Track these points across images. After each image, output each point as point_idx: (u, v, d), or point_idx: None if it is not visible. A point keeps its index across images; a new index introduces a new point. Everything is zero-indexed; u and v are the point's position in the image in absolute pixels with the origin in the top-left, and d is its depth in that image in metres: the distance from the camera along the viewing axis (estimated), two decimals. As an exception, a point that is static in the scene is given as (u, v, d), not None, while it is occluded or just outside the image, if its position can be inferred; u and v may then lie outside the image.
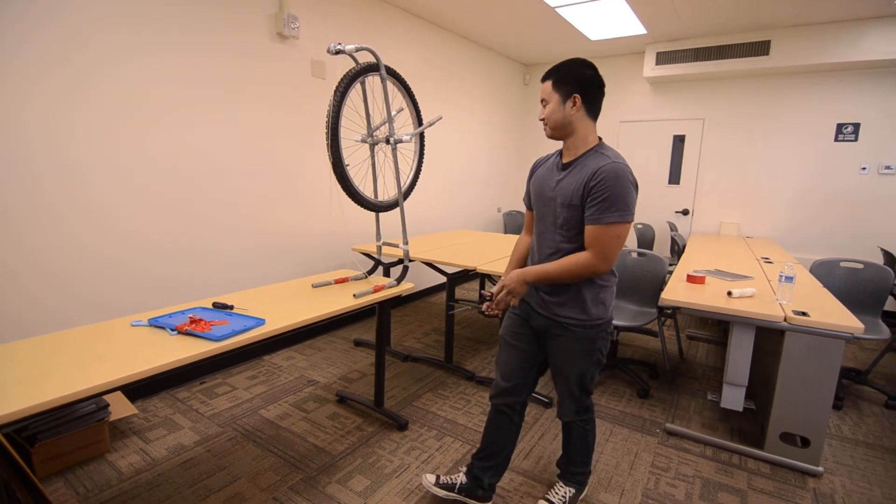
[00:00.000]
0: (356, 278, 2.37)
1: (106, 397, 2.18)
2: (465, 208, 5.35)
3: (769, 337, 2.26)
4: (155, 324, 1.58)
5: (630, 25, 4.29)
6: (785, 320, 2.01)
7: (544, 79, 1.52)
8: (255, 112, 2.98)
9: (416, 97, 2.38)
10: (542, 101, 1.53)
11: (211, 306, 1.84)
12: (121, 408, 2.26)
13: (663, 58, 4.81)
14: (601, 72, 1.49)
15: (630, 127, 5.51)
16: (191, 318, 1.63)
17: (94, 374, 1.23)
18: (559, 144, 1.60)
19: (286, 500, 1.84)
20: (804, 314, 2.02)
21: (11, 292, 2.07)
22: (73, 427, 2.01)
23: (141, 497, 1.84)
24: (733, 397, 2.22)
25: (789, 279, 2.19)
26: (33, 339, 1.46)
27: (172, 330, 1.53)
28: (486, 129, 5.52)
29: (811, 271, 3.10)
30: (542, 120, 1.54)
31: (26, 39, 2.01)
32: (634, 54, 5.26)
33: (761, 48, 4.32)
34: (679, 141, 5.26)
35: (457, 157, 5.08)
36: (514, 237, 4.28)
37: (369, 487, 1.93)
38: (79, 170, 2.23)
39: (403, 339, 3.65)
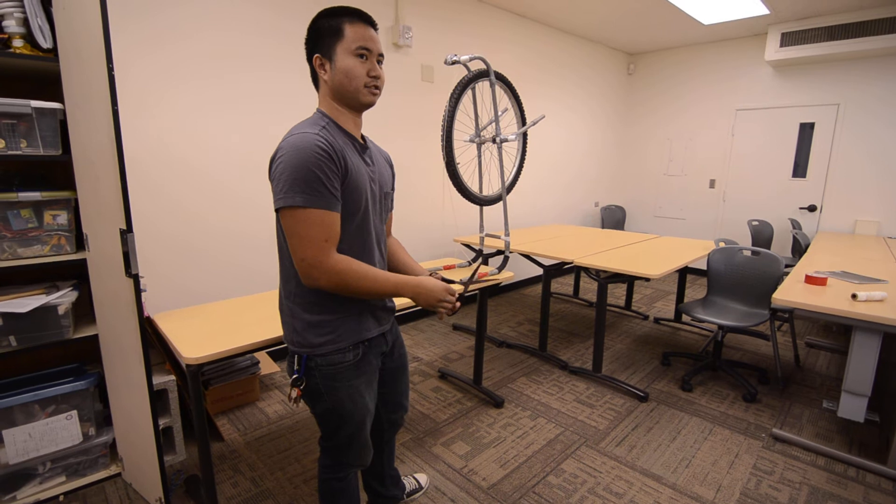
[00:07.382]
0: (460, 266, 2.60)
1: (256, 355, 2.66)
2: (561, 202, 5.37)
3: (901, 345, 2.08)
4: (303, 296, 1.94)
5: (749, 5, 3.99)
6: (920, 327, 1.85)
7: (375, 26, 1.18)
8: (376, 119, 3.32)
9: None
10: (380, 56, 1.18)
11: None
12: (267, 365, 2.74)
13: (790, 38, 4.39)
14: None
15: (748, 115, 5.09)
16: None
17: (269, 329, 1.59)
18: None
19: (399, 454, 2.13)
20: (945, 322, 1.84)
21: (201, 268, 2.62)
22: (233, 377, 2.49)
23: (285, 437, 2.25)
24: (853, 407, 2.09)
25: (930, 284, 2.00)
26: (219, 303, 1.89)
27: (318, 301, 1.87)
28: (586, 122, 5.46)
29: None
30: (377, 85, 1.18)
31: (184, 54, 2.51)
32: (754, 36, 4.85)
33: (916, 21, 3.78)
34: (807, 129, 4.77)
35: (554, 151, 5.12)
36: (613, 232, 4.23)
37: (469, 452, 2.15)
38: (236, 175, 2.72)
39: (498, 326, 3.84)
